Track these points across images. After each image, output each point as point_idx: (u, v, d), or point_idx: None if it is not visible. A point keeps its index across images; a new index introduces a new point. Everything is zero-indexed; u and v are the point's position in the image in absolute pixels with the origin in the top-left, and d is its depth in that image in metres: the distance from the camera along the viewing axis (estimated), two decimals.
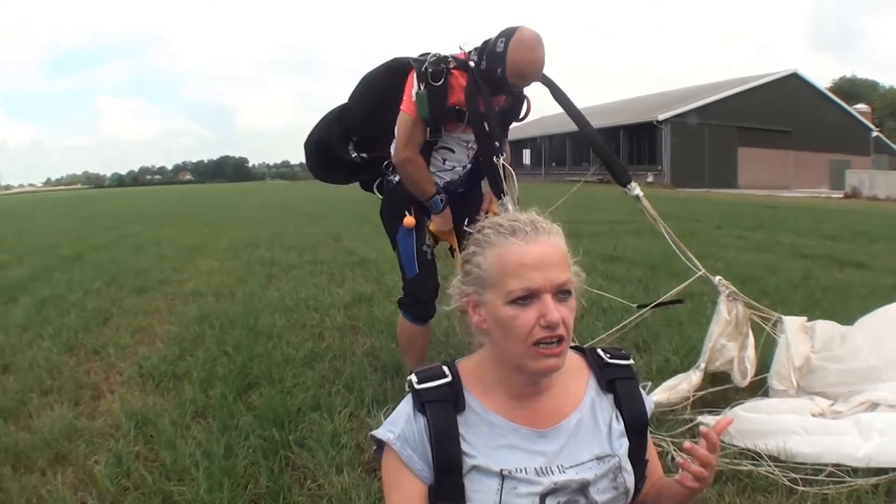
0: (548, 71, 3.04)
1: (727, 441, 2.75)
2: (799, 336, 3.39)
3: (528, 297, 1.24)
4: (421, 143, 2.98)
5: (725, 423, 1.38)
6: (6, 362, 4.22)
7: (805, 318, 3.51)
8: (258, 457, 2.71)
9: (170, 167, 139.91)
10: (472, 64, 2.93)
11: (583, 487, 1.30)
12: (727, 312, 3.40)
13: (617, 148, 30.93)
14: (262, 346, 4.34)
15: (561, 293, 1.25)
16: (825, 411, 2.98)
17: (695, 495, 1.36)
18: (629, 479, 1.36)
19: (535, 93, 3.22)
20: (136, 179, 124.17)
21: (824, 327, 3.44)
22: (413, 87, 2.89)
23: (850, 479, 2.41)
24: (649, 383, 3.30)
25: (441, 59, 2.88)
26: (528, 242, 1.25)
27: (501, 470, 1.27)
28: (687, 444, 1.35)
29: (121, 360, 4.25)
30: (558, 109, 3.33)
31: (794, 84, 35.04)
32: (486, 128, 2.95)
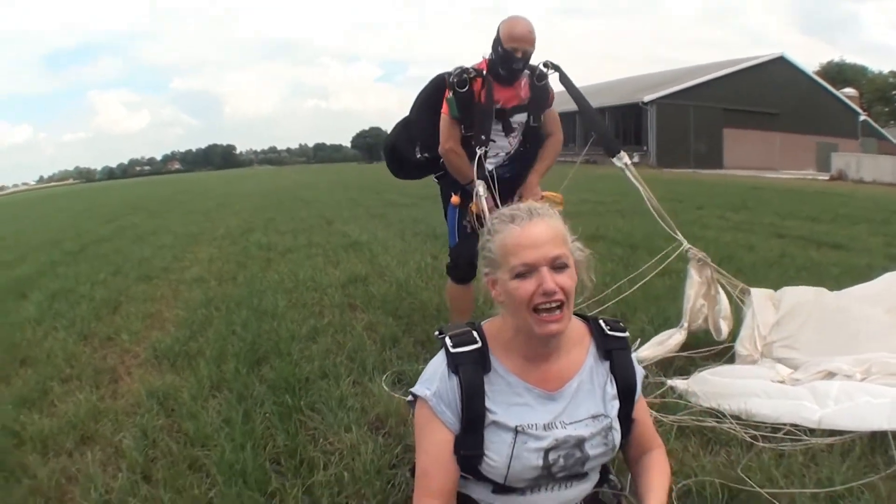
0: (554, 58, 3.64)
1: (693, 401, 2.93)
2: (765, 306, 3.58)
3: (527, 272, 1.46)
4: (458, 137, 3.54)
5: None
6: (24, 356, 4.31)
7: (772, 291, 3.69)
8: (274, 420, 2.91)
9: (159, 157, 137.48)
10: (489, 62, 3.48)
11: (579, 442, 1.52)
12: (698, 275, 3.64)
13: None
14: (268, 325, 4.49)
15: (557, 265, 1.46)
16: (785, 379, 3.14)
17: None
18: (617, 437, 1.59)
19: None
20: (126, 171, 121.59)
21: (793, 293, 3.62)
22: (447, 94, 3.50)
23: (806, 438, 2.56)
24: (638, 339, 3.61)
25: (463, 71, 3.45)
26: (523, 226, 1.48)
27: (517, 426, 1.49)
28: None
29: (135, 345, 4.37)
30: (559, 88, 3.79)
31: (781, 67, 34.26)
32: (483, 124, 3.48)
